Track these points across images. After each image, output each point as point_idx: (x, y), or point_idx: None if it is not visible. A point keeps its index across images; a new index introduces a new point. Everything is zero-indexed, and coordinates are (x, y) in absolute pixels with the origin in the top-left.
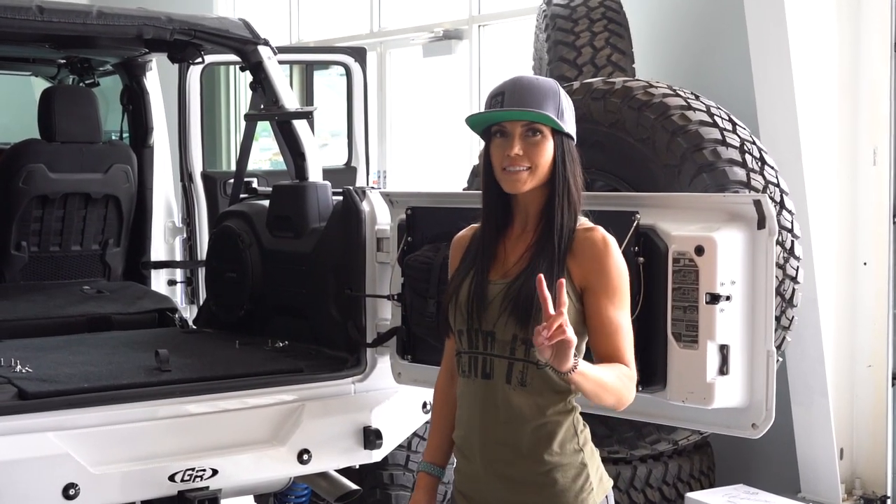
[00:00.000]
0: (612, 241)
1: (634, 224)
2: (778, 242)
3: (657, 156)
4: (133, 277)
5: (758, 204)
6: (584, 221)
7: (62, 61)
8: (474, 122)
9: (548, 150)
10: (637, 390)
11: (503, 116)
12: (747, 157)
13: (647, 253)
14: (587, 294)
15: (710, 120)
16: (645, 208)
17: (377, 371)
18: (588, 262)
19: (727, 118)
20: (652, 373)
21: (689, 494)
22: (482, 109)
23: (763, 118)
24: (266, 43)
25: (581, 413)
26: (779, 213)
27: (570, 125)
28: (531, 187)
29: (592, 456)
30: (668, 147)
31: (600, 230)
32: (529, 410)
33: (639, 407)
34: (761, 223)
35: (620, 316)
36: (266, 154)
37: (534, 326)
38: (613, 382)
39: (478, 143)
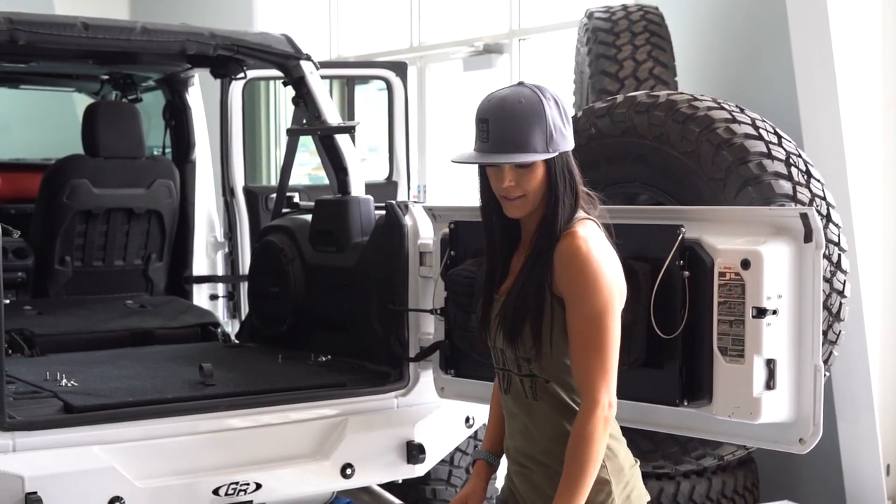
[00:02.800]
0: (584, 246)
1: (679, 238)
2: (825, 256)
3: (702, 169)
4: (175, 292)
5: (804, 217)
6: (572, 225)
7: (105, 77)
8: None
9: (539, 176)
10: (682, 405)
11: (490, 163)
12: (793, 169)
13: (692, 267)
14: (565, 303)
15: (755, 133)
16: (690, 222)
17: (420, 385)
18: (559, 269)
19: (772, 131)
20: (698, 387)
21: None
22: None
23: (807, 131)
24: (308, 58)
25: (624, 427)
26: (825, 227)
27: (561, 139)
28: (531, 210)
29: (619, 473)
30: (713, 160)
31: (577, 234)
32: (546, 423)
33: (685, 422)
34: (808, 236)
35: (588, 329)
36: (304, 169)
37: (522, 343)
38: (585, 473)
39: None
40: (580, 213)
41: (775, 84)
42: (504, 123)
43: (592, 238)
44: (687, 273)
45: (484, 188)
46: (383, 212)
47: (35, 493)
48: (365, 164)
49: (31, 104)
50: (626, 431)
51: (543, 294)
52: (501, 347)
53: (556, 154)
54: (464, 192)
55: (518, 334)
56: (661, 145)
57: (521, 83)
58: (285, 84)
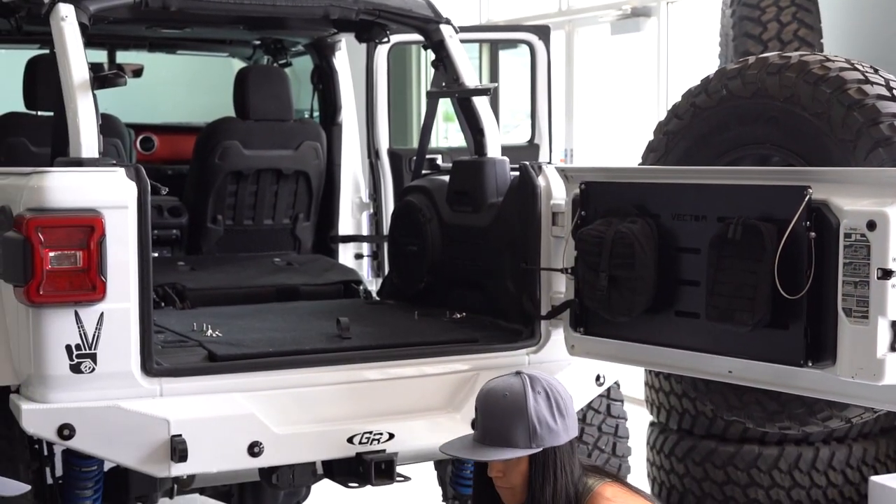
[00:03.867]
0: None
1: (806, 199)
2: None
3: (832, 130)
4: (322, 251)
5: None
6: None
7: (257, 42)
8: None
9: (524, 470)
10: (807, 365)
11: (470, 458)
12: None
13: (818, 228)
14: None
15: (888, 94)
16: (817, 183)
17: (551, 343)
18: None
19: None
20: (822, 348)
21: (874, 478)
22: None
23: None
24: (448, 22)
25: (749, 387)
26: None
27: (547, 434)
28: (520, 502)
29: None
30: (844, 122)
31: None
32: None
33: (808, 383)
34: None
35: None
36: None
37: None
38: None
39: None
40: (589, 482)
41: None
42: (489, 417)
43: None
44: (813, 234)
45: (476, 472)
46: (518, 173)
47: (180, 435)
48: (519, 129)
49: (195, 70)
50: (751, 392)
51: None
52: None
53: (539, 450)
54: (611, 155)
55: None
56: (791, 107)
57: (518, 373)
58: (425, 48)
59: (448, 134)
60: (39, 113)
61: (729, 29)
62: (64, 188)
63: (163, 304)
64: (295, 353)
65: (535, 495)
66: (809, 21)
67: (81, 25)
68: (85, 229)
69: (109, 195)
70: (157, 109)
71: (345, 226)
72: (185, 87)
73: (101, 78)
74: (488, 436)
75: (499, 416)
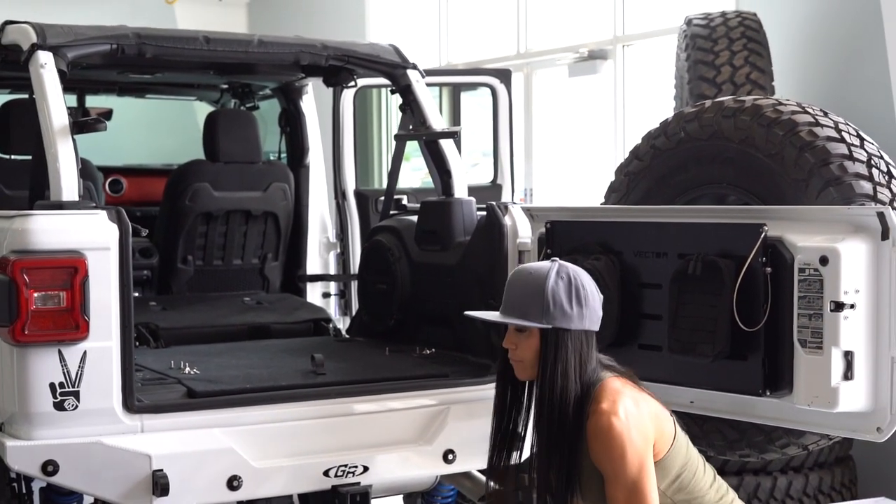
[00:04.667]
0: (606, 422)
1: (762, 236)
2: None
3: (785, 170)
4: (290, 290)
5: (881, 216)
6: (598, 396)
7: (224, 86)
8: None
9: (534, 346)
10: (765, 395)
11: (489, 320)
12: (874, 171)
13: (774, 263)
14: (603, 475)
15: (837, 135)
16: (773, 221)
17: None
18: (591, 446)
19: (855, 133)
20: (780, 378)
21: None
22: None
23: None
24: (415, 67)
25: (710, 417)
26: None
27: (560, 315)
28: (530, 377)
29: None
30: (796, 162)
31: (601, 411)
32: None
33: (767, 411)
34: (885, 234)
35: (628, 497)
36: (419, 174)
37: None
38: None
39: (623, 156)
40: (602, 374)
41: (873, 88)
42: (512, 290)
43: (615, 407)
44: (769, 269)
45: (503, 352)
46: (484, 212)
47: (161, 470)
48: (478, 168)
49: (155, 112)
50: (712, 421)
51: (573, 472)
52: None
53: (549, 328)
54: (570, 195)
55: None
56: (746, 148)
57: (553, 259)
58: (393, 92)
59: (404, 173)
60: (13, 157)
61: (684, 72)
62: (48, 230)
63: (137, 343)
64: (272, 388)
65: (544, 372)
66: (761, 65)
67: (60, 72)
68: (69, 270)
69: (92, 237)
70: (119, 151)
71: (312, 265)
72: (147, 129)
73: (81, 123)
74: (508, 307)
75: (520, 289)
